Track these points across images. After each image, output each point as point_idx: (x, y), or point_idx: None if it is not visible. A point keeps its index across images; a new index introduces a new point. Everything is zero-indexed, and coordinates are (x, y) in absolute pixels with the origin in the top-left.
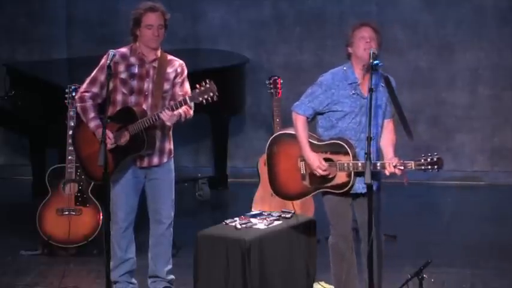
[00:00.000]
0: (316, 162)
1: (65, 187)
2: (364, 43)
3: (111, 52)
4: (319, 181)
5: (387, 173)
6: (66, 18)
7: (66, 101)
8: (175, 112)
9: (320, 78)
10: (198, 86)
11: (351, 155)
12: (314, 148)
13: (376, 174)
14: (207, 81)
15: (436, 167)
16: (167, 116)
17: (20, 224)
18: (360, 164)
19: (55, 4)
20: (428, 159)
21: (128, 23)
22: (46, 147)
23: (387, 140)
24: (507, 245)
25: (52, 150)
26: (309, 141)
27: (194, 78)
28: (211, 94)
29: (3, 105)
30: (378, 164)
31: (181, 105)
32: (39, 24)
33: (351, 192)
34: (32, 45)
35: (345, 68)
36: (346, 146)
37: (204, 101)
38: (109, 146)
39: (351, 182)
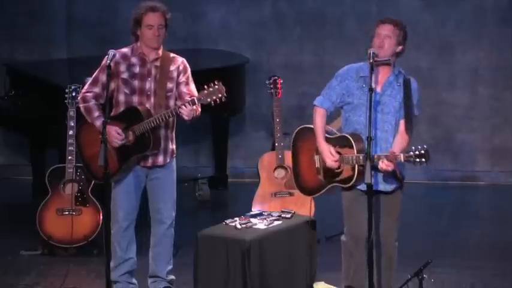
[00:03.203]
0: (326, 152)
1: (65, 187)
2: (377, 41)
3: (111, 52)
4: (330, 175)
5: (379, 167)
6: (66, 18)
7: (66, 101)
8: (194, 107)
9: (337, 71)
10: (206, 87)
11: (355, 149)
12: (326, 141)
13: (395, 174)
14: (215, 82)
15: (423, 159)
16: (187, 111)
17: (20, 224)
18: (361, 158)
19: (55, 4)
20: (416, 152)
21: (128, 23)
22: (46, 147)
23: (397, 141)
24: (507, 245)
25: (52, 150)
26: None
27: (194, 78)
28: (220, 95)
29: (3, 105)
30: (375, 156)
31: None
32: (39, 24)
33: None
34: (32, 45)
35: (364, 62)
36: (351, 140)
37: (212, 102)
38: (118, 143)
39: (355, 176)
